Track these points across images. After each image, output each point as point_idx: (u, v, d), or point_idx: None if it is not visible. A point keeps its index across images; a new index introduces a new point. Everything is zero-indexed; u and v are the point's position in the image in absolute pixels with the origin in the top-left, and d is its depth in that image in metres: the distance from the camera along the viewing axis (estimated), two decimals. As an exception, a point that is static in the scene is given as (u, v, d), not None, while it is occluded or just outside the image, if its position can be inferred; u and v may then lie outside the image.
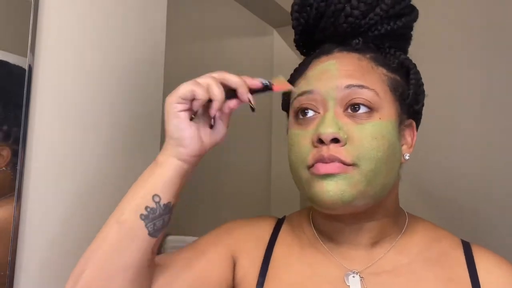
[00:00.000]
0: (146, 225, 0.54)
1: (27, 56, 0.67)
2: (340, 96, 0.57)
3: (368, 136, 0.55)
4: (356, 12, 0.59)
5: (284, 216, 0.71)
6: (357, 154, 0.55)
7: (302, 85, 0.60)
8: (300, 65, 0.67)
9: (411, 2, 0.64)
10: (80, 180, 0.76)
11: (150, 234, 0.54)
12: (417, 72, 0.63)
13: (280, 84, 0.57)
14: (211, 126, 0.57)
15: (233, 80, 0.54)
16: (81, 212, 0.76)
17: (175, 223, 1.63)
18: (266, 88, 0.56)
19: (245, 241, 0.65)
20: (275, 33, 1.77)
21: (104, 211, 0.81)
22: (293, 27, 0.66)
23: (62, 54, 0.73)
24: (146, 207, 0.54)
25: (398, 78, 0.61)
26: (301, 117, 0.59)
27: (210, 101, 0.54)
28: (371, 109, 0.56)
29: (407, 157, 0.61)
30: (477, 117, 1.34)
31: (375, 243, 0.61)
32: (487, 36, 1.34)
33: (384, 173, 0.56)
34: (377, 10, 0.59)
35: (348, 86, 0.57)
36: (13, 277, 0.65)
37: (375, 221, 0.60)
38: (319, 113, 0.58)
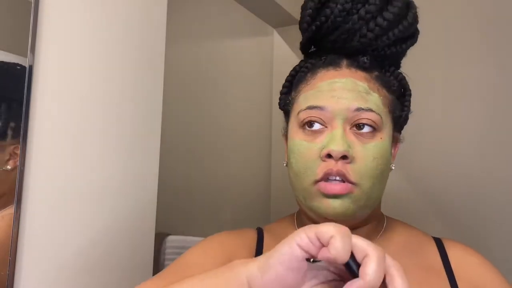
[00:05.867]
0: None
1: (27, 56, 0.67)
2: (350, 117, 0.59)
3: (370, 156, 0.59)
4: (370, 34, 0.61)
5: (261, 227, 0.70)
6: (360, 173, 0.58)
7: (311, 96, 0.62)
8: (302, 66, 0.67)
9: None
10: (80, 180, 0.76)
11: None
12: (411, 93, 0.67)
13: None
14: None
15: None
16: (81, 212, 0.76)
17: (175, 223, 1.63)
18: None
19: (238, 250, 0.64)
20: (275, 33, 1.77)
21: (104, 210, 0.81)
22: (301, 31, 0.67)
23: (62, 54, 0.74)
24: None
25: (395, 98, 0.65)
26: (308, 128, 0.61)
27: None
28: (374, 129, 0.60)
29: (393, 167, 0.65)
30: (478, 117, 1.34)
31: None
32: (488, 35, 1.34)
33: (380, 187, 0.61)
34: (390, 34, 0.61)
35: (358, 109, 0.59)
36: (13, 277, 0.65)
37: (365, 225, 0.65)
38: (326, 127, 0.60)
